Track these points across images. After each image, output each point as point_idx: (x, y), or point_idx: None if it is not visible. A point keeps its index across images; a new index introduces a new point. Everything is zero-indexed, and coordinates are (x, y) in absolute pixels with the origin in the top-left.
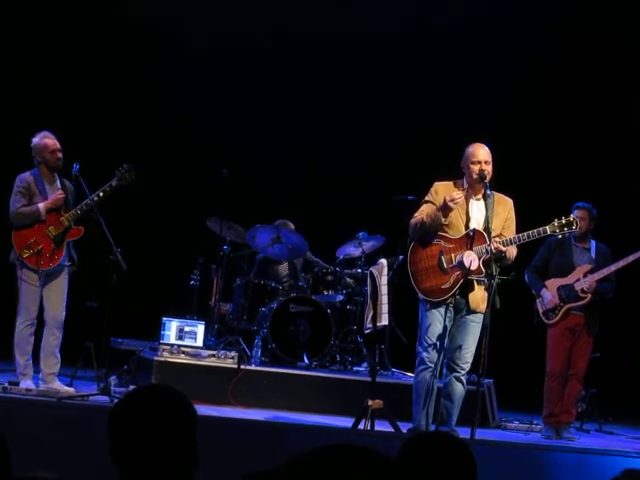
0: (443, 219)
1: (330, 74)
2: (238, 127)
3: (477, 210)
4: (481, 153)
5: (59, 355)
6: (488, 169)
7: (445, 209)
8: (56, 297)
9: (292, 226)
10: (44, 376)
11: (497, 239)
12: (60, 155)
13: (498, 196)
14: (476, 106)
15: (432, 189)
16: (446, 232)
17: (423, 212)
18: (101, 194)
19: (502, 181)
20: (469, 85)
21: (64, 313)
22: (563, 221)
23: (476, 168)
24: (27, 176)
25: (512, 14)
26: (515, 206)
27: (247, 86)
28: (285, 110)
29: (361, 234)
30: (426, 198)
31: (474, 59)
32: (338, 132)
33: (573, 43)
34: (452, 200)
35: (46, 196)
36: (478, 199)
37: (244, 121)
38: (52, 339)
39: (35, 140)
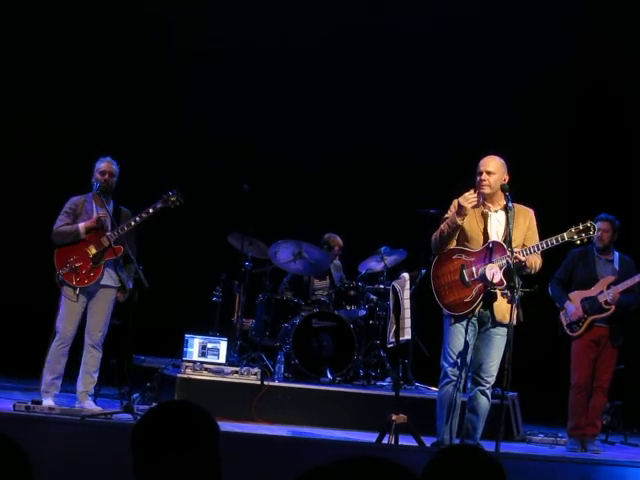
0: (459, 220)
1: (353, 86)
2: (258, 143)
3: (496, 221)
4: (482, 163)
5: (95, 375)
6: (489, 179)
7: (460, 210)
8: (97, 317)
9: (339, 240)
10: (78, 394)
11: (517, 249)
12: (107, 178)
13: (518, 207)
14: (500, 119)
15: (451, 205)
16: (466, 246)
17: None
18: (144, 215)
19: (524, 191)
20: (491, 101)
21: (101, 334)
22: (580, 227)
23: (478, 178)
24: (77, 198)
25: (534, 19)
26: (536, 216)
27: (267, 102)
28: (304, 125)
29: (383, 248)
30: (446, 215)
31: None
32: (359, 146)
33: (597, 48)
34: (465, 199)
35: (91, 217)
36: (496, 211)
37: (264, 137)
38: (89, 357)
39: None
